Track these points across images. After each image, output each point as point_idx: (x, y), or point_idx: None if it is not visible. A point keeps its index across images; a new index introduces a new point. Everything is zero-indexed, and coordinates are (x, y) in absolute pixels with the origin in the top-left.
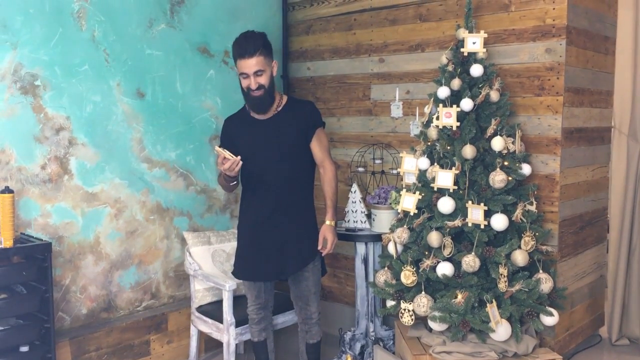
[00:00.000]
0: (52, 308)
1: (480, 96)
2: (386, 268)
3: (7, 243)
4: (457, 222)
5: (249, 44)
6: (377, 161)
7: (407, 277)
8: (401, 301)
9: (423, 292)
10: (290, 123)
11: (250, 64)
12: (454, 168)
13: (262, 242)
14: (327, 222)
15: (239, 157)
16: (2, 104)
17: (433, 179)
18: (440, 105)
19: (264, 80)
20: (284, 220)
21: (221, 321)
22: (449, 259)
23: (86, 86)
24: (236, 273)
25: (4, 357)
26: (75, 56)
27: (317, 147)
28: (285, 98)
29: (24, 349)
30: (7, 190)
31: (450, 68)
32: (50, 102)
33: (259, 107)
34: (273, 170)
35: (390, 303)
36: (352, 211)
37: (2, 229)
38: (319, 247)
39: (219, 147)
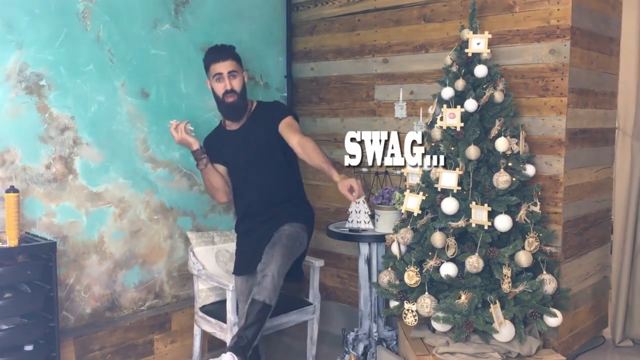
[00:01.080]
0: (56, 307)
1: (485, 97)
2: (389, 268)
3: (12, 242)
4: (461, 223)
5: (222, 50)
6: None
7: (411, 277)
8: (404, 302)
9: (426, 293)
10: (260, 125)
11: (225, 65)
12: (457, 169)
13: (257, 241)
14: (342, 176)
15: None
16: (8, 103)
17: (437, 180)
18: (444, 105)
19: (237, 84)
20: (276, 218)
21: (225, 321)
22: (452, 260)
23: (91, 86)
24: (235, 270)
25: (9, 356)
26: (80, 56)
27: (287, 131)
28: (255, 104)
29: (29, 348)
30: (12, 189)
31: (454, 69)
32: (55, 102)
33: (234, 114)
34: (256, 174)
35: (393, 303)
36: (356, 211)
37: (7, 228)
38: (349, 196)
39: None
